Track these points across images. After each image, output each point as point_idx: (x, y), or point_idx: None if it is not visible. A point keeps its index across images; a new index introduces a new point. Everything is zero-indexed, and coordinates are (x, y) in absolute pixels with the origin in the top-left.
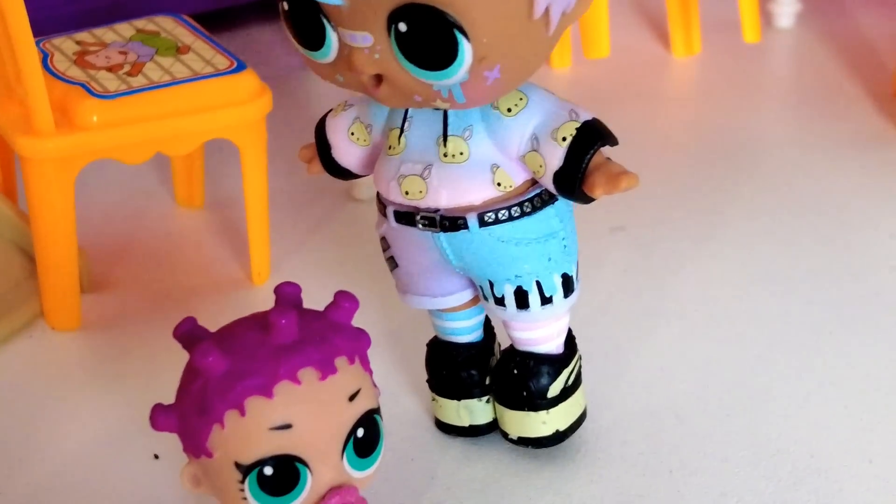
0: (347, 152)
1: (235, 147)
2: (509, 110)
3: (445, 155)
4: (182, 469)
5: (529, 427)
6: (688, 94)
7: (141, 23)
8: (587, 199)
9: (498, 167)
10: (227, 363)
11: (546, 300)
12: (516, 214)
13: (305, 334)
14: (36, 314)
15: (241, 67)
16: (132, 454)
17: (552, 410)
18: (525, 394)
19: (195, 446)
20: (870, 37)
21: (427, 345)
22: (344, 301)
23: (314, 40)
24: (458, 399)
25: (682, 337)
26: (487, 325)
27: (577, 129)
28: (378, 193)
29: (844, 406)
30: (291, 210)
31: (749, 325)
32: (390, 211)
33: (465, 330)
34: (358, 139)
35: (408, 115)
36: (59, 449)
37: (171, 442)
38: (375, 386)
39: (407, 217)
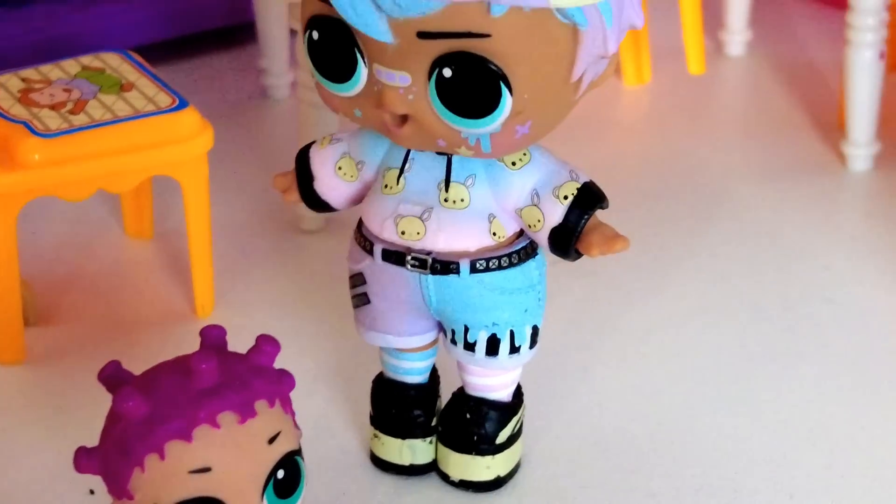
0: (332, 186)
1: None
2: (514, 164)
3: (446, 200)
4: None
5: (473, 471)
6: (636, 124)
7: (87, 59)
8: (577, 257)
9: (495, 217)
10: (147, 407)
11: (514, 349)
12: (505, 264)
13: (226, 378)
14: None
15: (182, 105)
16: (67, 489)
17: (497, 456)
18: (475, 438)
19: (117, 488)
20: (819, 66)
21: (373, 381)
22: (265, 345)
23: (341, 73)
24: (403, 438)
25: (615, 371)
26: (433, 368)
27: (577, 189)
28: (360, 229)
29: (767, 440)
30: (238, 241)
31: (682, 358)
32: (378, 249)
33: (416, 371)
34: (345, 174)
35: (409, 157)
36: None
37: None
38: (297, 427)
39: (396, 256)
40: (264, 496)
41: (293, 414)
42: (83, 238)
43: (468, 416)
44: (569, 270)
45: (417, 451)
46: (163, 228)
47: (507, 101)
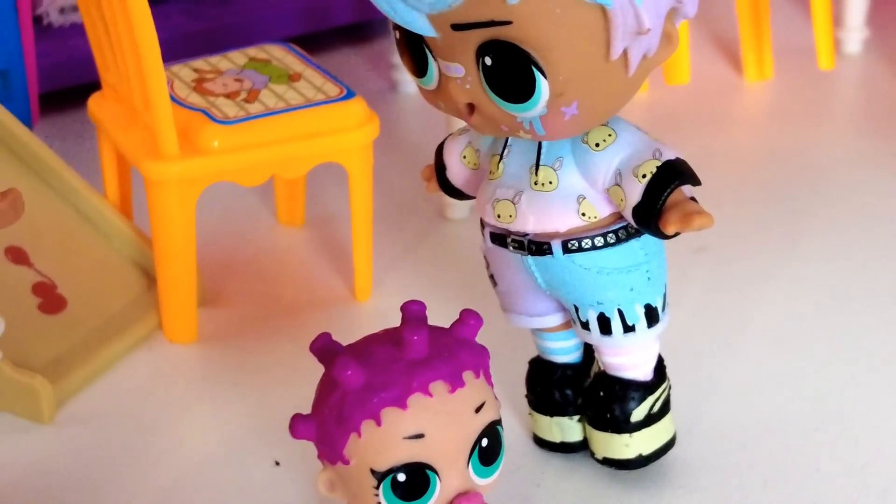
0: (458, 173)
1: (334, 168)
2: (597, 145)
3: (536, 183)
4: (318, 475)
5: (613, 448)
6: (761, 119)
7: (252, 51)
8: (664, 235)
9: (584, 198)
10: (364, 376)
11: (628, 328)
12: (599, 244)
13: (435, 350)
14: (154, 327)
15: (350, 95)
16: (254, 460)
17: (635, 434)
18: (609, 416)
19: (333, 453)
20: None
21: (529, 362)
22: (469, 318)
23: (420, 68)
24: (551, 415)
25: (767, 353)
26: (588, 348)
27: (657, 167)
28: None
29: None
30: (386, 229)
31: (832, 341)
32: (487, 232)
33: (562, 350)
34: (468, 162)
35: (507, 143)
36: (183, 456)
37: (289, 449)
38: (496, 399)
39: (500, 238)
40: (470, 463)
41: (493, 386)
42: (238, 225)
43: (601, 393)
44: (706, 253)
45: (566, 428)
46: (312, 216)
47: (542, 84)
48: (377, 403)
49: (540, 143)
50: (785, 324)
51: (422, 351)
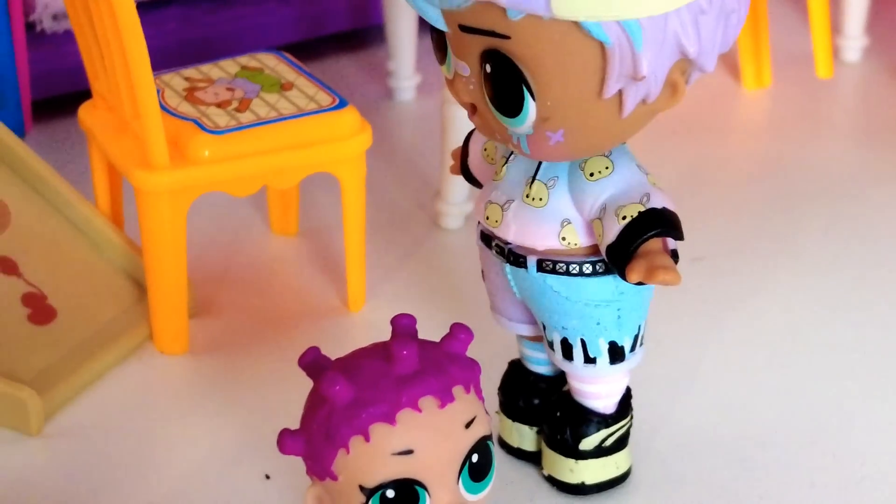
0: (476, 163)
1: (328, 176)
2: (592, 175)
3: (527, 196)
4: (307, 490)
5: (558, 469)
6: (759, 127)
7: (244, 59)
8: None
9: (569, 223)
10: (352, 391)
11: (589, 360)
12: (574, 272)
13: (424, 364)
14: (144, 338)
15: (342, 104)
16: (244, 474)
17: (581, 462)
18: (560, 437)
19: (321, 469)
20: None
21: (509, 363)
22: (460, 332)
23: (441, 55)
24: (513, 420)
25: (763, 365)
26: None
27: (639, 212)
28: None
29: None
30: (380, 239)
31: (829, 353)
32: (478, 229)
33: (537, 360)
34: (487, 155)
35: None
36: (173, 468)
37: (281, 462)
38: (487, 413)
39: (486, 239)
40: (460, 479)
41: (483, 400)
42: (230, 234)
43: (559, 414)
44: (703, 263)
45: (524, 436)
46: (306, 225)
47: (529, 104)
48: (365, 419)
49: None
50: (780, 336)
51: (411, 366)
